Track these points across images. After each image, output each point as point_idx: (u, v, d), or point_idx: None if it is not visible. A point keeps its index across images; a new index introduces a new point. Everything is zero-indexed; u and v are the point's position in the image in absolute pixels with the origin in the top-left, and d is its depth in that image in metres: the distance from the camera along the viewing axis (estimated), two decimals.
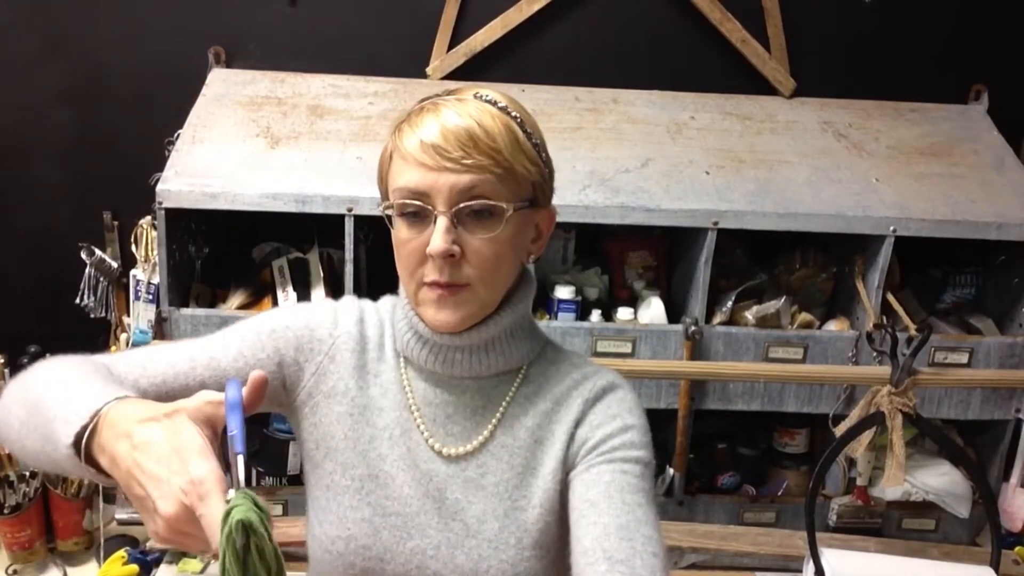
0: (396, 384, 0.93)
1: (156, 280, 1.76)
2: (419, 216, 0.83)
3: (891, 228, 1.71)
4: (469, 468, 0.90)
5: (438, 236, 0.81)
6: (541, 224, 0.91)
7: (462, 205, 0.82)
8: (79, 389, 0.75)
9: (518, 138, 0.84)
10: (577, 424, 0.90)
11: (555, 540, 0.89)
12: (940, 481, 1.82)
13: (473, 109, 0.83)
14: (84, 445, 0.70)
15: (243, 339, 0.92)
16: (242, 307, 1.74)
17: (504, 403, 0.91)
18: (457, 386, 0.91)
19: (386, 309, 0.98)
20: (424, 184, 0.81)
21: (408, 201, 0.83)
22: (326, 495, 0.91)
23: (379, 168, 0.90)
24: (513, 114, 0.85)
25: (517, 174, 0.83)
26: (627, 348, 1.72)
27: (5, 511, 1.61)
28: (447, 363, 0.90)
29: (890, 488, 1.75)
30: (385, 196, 0.89)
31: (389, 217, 0.87)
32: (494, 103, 0.84)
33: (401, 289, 0.92)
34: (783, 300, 1.78)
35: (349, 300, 0.99)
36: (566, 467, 0.89)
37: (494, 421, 0.90)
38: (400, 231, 0.85)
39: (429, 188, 0.81)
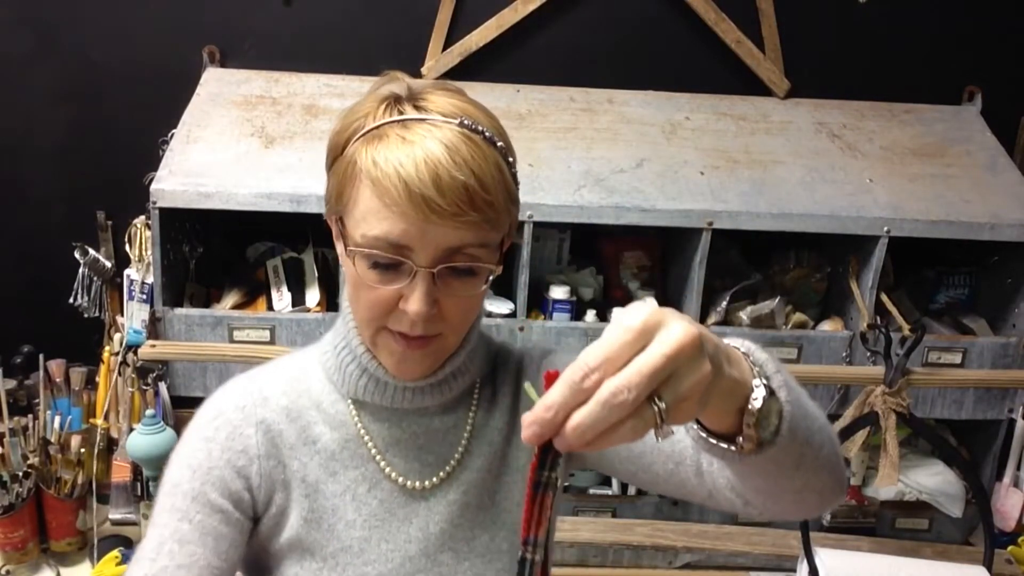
0: (351, 438, 0.85)
1: (150, 280, 1.75)
2: (392, 264, 0.73)
3: (885, 228, 1.72)
4: (451, 491, 0.86)
5: (419, 298, 0.72)
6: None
7: (446, 265, 0.73)
8: None
9: (507, 180, 0.75)
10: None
11: None
12: (933, 481, 1.82)
13: (463, 147, 0.71)
14: None
15: (190, 518, 0.79)
16: (236, 307, 1.73)
17: (471, 415, 0.88)
18: (423, 415, 0.86)
19: (303, 365, 0.89)
20: (407, 238, 0.71)
21: (384, 254, 0.72)
22: None
23: (335, 177, 0.77)
24: (499, 144, 0.75)
25: (502, 222, 0.76)
26: None
27: None
28: (413, 399, 0.84)
29: (884, 488, 1.76)
30: (335, 211, 0.78)
31: (337, 234, 0.79)
32: (481, 132, 0.73)
33: (344, 329, 0.84)
34: (777, 300, 1.78)
35: (242, 382, 0.88)
36: None
37: (466, 436, 0.87)
38: (365, 274, 0.74)
39: (412, 242, 0.71)
